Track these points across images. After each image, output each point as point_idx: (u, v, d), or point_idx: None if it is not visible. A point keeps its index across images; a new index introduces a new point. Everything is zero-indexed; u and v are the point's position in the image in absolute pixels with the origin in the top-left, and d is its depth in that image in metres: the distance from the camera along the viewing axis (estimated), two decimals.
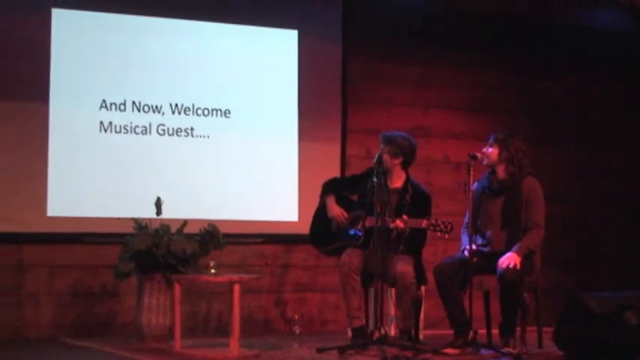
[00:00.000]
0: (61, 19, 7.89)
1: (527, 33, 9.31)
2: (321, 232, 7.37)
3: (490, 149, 7.11)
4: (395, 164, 7.23)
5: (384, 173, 7.11)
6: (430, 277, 7.07)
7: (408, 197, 7.21)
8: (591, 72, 9.55)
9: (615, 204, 9.66)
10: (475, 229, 7.05)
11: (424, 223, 6.96)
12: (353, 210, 7.25)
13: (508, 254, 6.81)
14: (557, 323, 6.71)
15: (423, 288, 7.24)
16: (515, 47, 9.25)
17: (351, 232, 7.19)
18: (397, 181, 7.25)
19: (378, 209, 6.83)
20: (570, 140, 9.49)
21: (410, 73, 8.98)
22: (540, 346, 7.11)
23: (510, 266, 6.73)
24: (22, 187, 7.71)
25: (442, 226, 6.90)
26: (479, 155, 6.99)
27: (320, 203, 7.41)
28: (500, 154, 7.08)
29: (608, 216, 9.61)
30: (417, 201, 7.21)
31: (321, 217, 7.39)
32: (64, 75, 7.87)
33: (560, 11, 9.00)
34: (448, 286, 6.88)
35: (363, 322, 7.06)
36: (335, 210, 7.29)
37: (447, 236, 6.96)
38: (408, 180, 7.28)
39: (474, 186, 7.11)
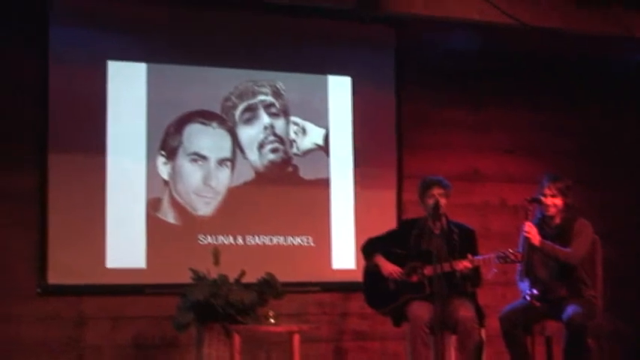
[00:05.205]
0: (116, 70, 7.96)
1: (579, 72, 9.25)
2: (381, 294, 7.24)
3: (556, 200, 7.05)
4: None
5: (439, 217, 7.08)
6: (492, 323, 7.01)
7: (455, 237, 7.15)
8: None
9: None
10: (533, 276, 6.97)
11: (492, 257, 6.86)
12: (406, 263, 7.17)
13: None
14: None
15: (484, 332, 7.16)
16: (569, 87, 9.18)
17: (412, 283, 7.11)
18: (439, 225, 7.19)
19: (438, 255, 6.79)
20: (629, 182, 9.37)
21: (463, 116, 8.96)
22: None
23: (529, 236, 6.74)
24: (81, 239, 7.74)
25: (512, 256, 6.82)
26: (542, 199, 6.96)
27: (368, 267, 7.31)
28: (563, 204, 7.06)
29: None
30: (465, 238, 7.15)
31: (373, 279, 7.25)
32: (121, 127, 7.91)
33: (615, 51, 8.89)
34: (515, 333, 6.80)
35: None
36: (389, 267, 7.16)
37: (518, 265, 6.89)
38: (448, 220, 7.24)
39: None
